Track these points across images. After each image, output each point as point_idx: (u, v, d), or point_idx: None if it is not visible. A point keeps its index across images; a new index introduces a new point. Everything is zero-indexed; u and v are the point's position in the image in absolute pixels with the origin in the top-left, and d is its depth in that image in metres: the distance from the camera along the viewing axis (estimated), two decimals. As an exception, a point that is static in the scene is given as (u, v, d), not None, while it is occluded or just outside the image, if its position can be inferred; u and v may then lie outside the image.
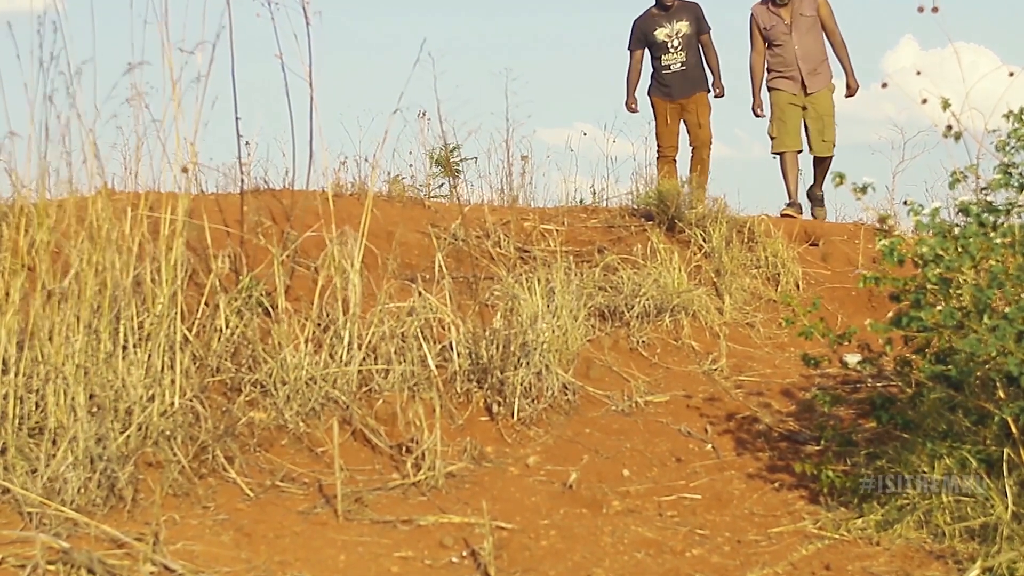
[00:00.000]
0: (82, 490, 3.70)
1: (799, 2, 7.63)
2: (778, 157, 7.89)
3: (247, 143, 6.52)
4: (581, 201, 7.82)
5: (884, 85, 6.92)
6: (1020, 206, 4.19)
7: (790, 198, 7.87)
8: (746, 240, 7.08)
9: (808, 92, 7.69)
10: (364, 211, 5.14)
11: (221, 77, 4.93)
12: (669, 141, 7.98)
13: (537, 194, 8.03)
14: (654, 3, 7.89)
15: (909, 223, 4.42)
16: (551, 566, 3.76)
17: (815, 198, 8.08)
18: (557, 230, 6.85)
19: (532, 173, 7.97)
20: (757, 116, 7.92)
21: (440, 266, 5.40)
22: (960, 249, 3.97)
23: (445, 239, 6.23)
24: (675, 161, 8.04)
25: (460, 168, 8.00)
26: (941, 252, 3.98)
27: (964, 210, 4.18)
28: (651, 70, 8.00)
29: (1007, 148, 4.20)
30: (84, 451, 3.74)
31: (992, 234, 4.06)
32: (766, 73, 7.84)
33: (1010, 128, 4.19)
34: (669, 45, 7.83)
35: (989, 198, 4.27)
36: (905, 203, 4.39)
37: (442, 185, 7.54)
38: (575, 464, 4.69)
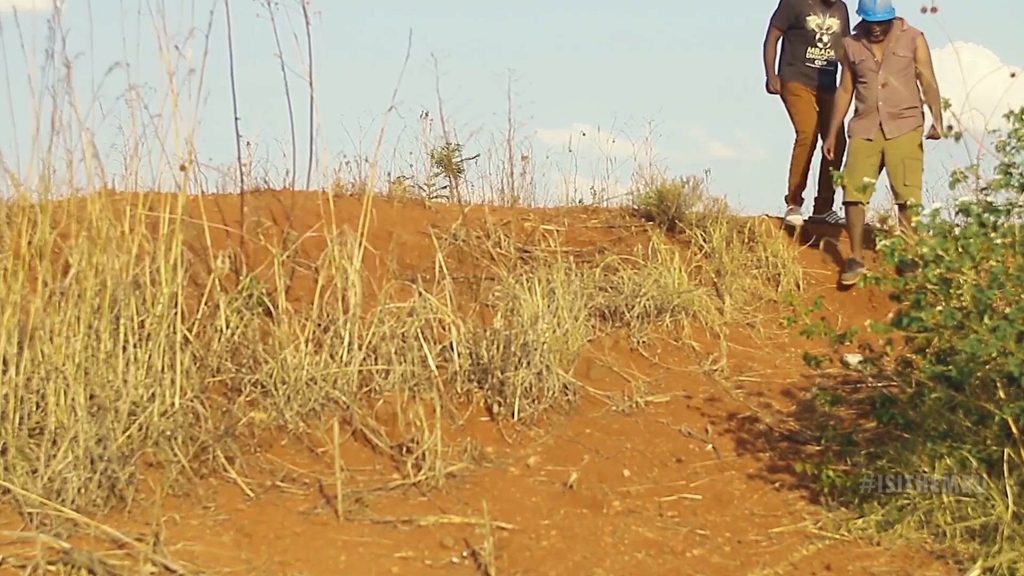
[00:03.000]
0: (82, 490, 3.70)
1: (895, 41, 6.83)
2: (844, 208, 7.14)
3: (247, 143, 6.51)
4: (581, 201, 7.80)
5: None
6: (1020, 206, 4.19)
7: (852, 252, 7.05)
8: (746, 240, 7.08)
9: (887, 137, 6.86)
10: (364, 211, 5.14)
11: (221, 77, 4.94)
12: (812, 125, 7.41)
13: (537, 194, 7.96)
14: None
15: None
16: (552, 566, 3.75)
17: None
18: (558, 230, 6.85)
19: (532, 173, 7.93)
20: (827, 158, 7.23)
21: (440, 266, 5.40)
22: (960, 249, 3.97)
23: (446, 239, 6.23)
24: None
25: (463, 168, 7.97)
26: (941, 253, 3.98)
27: (964, 210, 4.18)
28: (789, 55, 7.51)
29: (1007, 148, 4.20)
30: (84, 451, 3.74)
31: (992, 234, 4.06)
32: (850, 113, 7.09)
33: (1010, 128, 4.19)
34: (817, 38, 7.38)
35: (989, 198, 4.27)
36: (906, 203, 4.39)
37: (444, 186, 7.53)
38: (576, 464, 4.69)
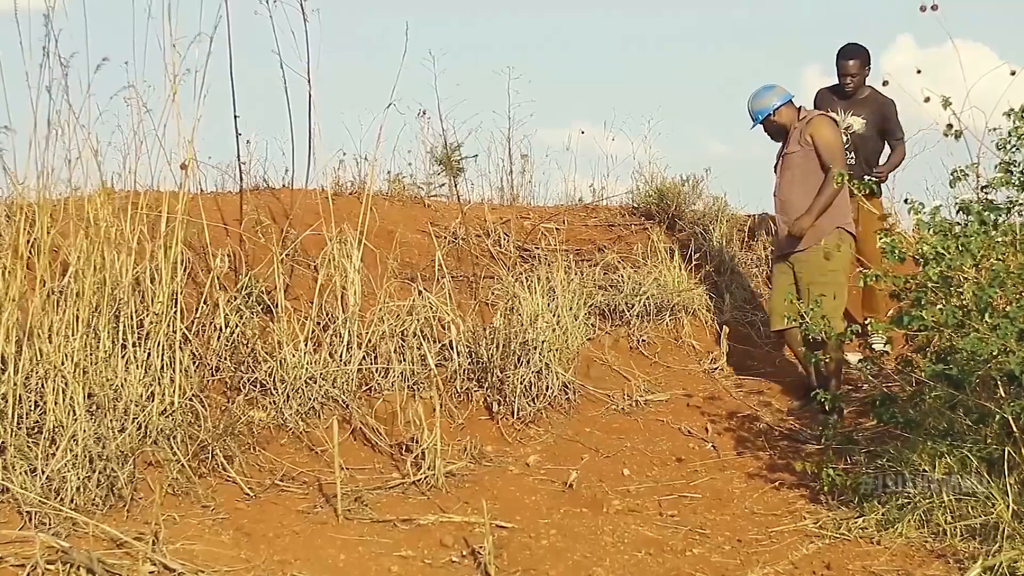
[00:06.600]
0: (81, 489, 3.69)
1: (792, 133, 5.51)
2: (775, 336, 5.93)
3: (247, 142, 6.49)
4: (581, 200, 7.78)
5: (885, 83, 6.87)
6: (1021, 204, 4.18)
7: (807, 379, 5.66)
8: (746, 239, 7.07)
9: (788, 252, 5.50)
10: (363, 210, 5.14)
11: (220, 75, 4.93)
12: None
13: (537, 193, 7.95)
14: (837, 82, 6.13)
15: (910, 221, 4.40)
16: (551, 565, 3.75)
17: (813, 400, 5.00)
18: (557, 229, 6.84)
19: (532, 172, 7.91)
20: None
21: (440, 265, 5.39)
22: (961, 248, 3.96)
23: (445, 238, 6.22)
24: None
25: (462, 166, 7.94)
26: (942, 251, 3.98)
27: (965, 208, 4.18)
28: None
29: (1008, 146, 4.19)
30: (83, 450, 3.73)
31: (993, 232, 4.05)
32: None
33: (1010, 126, 4.19)
34: None
35: (990, 196, 4.26)
36: (906, 202, 4.38)
37: (443, 184, 7.50)
38: (575, 463, 4.69)
